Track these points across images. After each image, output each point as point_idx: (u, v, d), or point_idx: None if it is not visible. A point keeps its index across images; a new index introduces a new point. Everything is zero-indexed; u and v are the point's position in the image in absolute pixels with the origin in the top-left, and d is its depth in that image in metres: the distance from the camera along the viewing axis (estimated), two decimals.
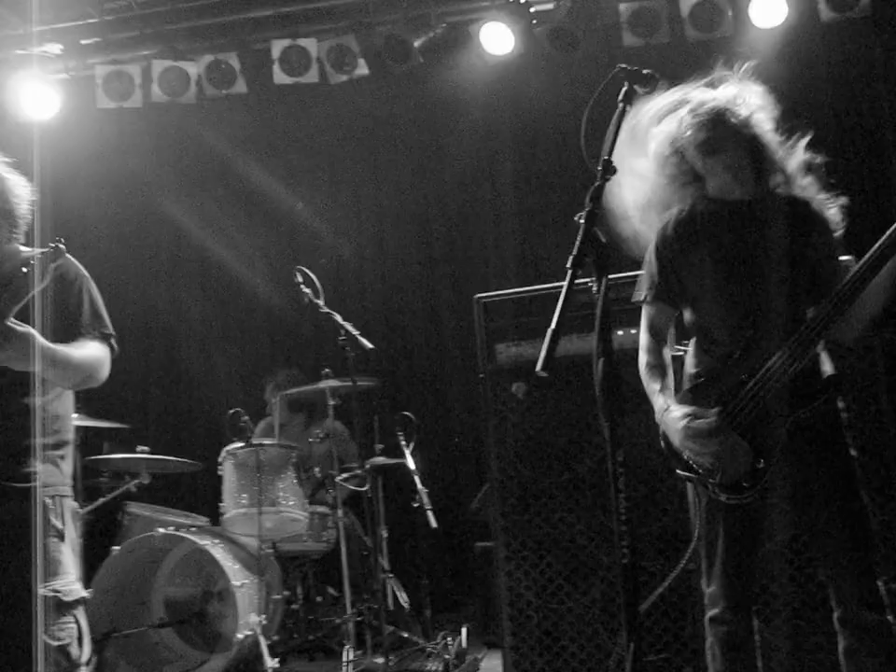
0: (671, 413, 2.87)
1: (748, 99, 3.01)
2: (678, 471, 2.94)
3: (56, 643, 2.64)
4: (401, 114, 7.46)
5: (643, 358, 3.05)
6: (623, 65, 2.48)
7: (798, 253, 2.91)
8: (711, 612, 2.91)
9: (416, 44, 6.51)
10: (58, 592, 2.67)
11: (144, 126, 7.26)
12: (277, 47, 6.63)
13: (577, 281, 2.19)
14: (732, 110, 2.96)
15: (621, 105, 2.45)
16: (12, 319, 2.54)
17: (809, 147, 3.02)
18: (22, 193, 2.94)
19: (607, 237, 2.19)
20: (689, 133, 2.96)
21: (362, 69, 6.70)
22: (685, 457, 2.88)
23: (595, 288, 2.15)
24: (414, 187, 7.48)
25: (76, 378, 2.83)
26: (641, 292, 3.11)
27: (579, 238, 2.17)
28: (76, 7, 6.62)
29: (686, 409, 2.85)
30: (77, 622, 2.71)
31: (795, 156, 3.01)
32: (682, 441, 2.83)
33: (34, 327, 2.62)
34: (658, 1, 6.29)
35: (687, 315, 3.08)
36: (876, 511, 3.50)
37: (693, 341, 3.07)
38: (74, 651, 2.69)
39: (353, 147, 7.62)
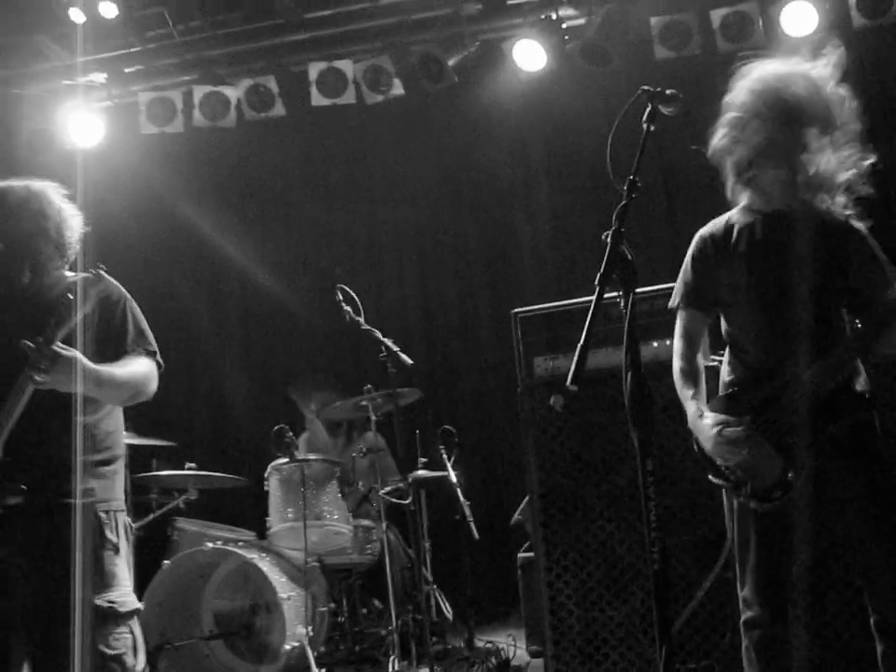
0: (704, 421, 2.93)
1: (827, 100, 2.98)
2: (710, 477, 2.99)
3: (112, 652, 2.74)
4: (437, 132, 7.56)
5: (677, 364, 3.10)
6: (646, 87, 2.52)
7: (834, 263, 2.92)
8: (746, 615, 2.94)
9: (451, 63, 6.57)
10: (113, 603, 2.77)
11: (186, 150, 7.42)
12: (314, 69, 6.72)
13: (607, 296, 2.27)
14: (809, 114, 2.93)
15: (645, 125, 2.51)
16: (58, 343, 2.65)
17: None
18: (76, 224, 3.06)
19: (633, 254, 2.26)
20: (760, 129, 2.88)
21: (398, 89, 6.76)
22: (717, 463, 2.94)
23: (622, 304, 2.22)
24: (452, 204, 7.57)
25: (123, 395, 2.93)
26: (675, 299, 3.17)
27: (606, 256, 2.24)
28: (119, 37, 6.77)
29: (718, 417, 2.90)
30: (131, 632, 2.81)
31: (844, 173, 2.91)
32: (714, 448, 2.88)
33: (78, 350, 2.73)
34: (689, 13, 6.30)
35: (722, 324, 3.13)
36: None
37: (728, 349, 3.11)
38: (129, 660, 2.80)
39: (390, 165, 7.72)
